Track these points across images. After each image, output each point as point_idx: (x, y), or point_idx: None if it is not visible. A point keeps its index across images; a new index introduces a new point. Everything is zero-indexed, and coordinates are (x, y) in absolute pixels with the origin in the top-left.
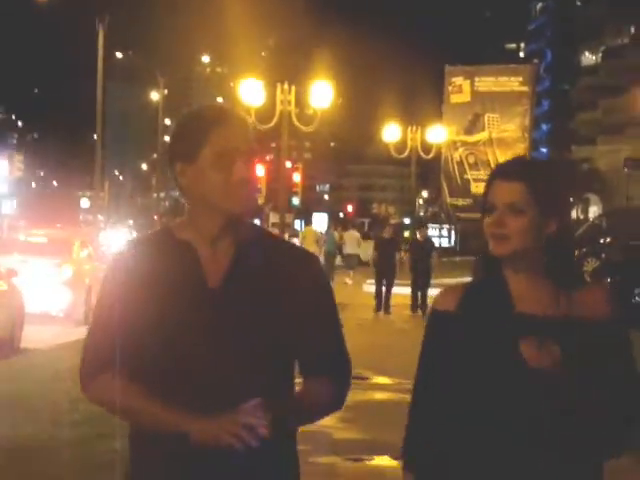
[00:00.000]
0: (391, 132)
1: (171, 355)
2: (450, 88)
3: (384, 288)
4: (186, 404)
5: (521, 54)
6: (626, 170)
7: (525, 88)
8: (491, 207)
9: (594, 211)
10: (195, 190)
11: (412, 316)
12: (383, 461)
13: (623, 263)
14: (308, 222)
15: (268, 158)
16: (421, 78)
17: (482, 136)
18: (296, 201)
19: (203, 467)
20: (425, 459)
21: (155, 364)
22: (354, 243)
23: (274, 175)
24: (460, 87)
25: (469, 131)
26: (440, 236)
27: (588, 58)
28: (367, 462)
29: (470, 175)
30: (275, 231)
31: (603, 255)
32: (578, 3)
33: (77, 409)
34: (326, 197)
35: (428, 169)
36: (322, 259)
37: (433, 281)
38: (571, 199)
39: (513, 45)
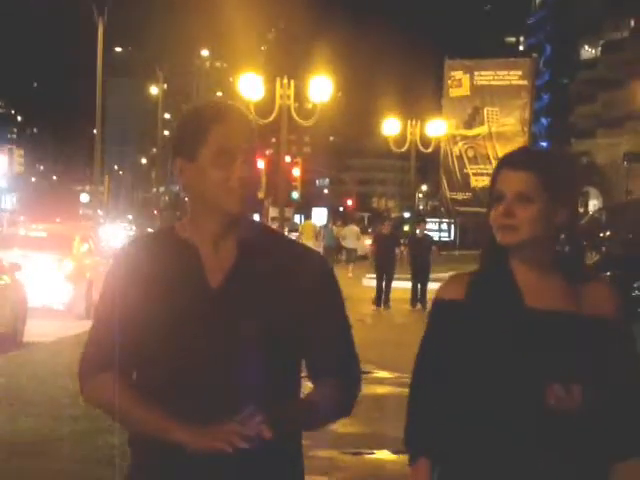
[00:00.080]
0: (390, 126)
1: (172, 355)
2: (449, 82)
3: (384, 283)
4: (187, 405)
5: (521, 48)
6: (625, 164)
7: (524, 82)
8: (499, 196)
9: (594, 204)
10: (196, 188)
11: (412, 310)
12: (383, 455)
13: (623, 257)
14: (308, 216)
15: (267, 152)
16: (420, 72)
17: (481, 130)
18: (295, 195)
19: (203, 471)
20: (422, 452)
21: (156, 363)
22: (354, 237)
23: (274, 169)
24: (460, 81)
25: (468, 125)
26: (440, 230)
27: (587, 52)
28: (367, 456)
29: (469, 169)
30: (275, 225)
31: (603, 249)
32: None
33: (77, 404)
34: (326, 191)
35: (428, 163)
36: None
37: (432, 275)
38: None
39: (513, 39)
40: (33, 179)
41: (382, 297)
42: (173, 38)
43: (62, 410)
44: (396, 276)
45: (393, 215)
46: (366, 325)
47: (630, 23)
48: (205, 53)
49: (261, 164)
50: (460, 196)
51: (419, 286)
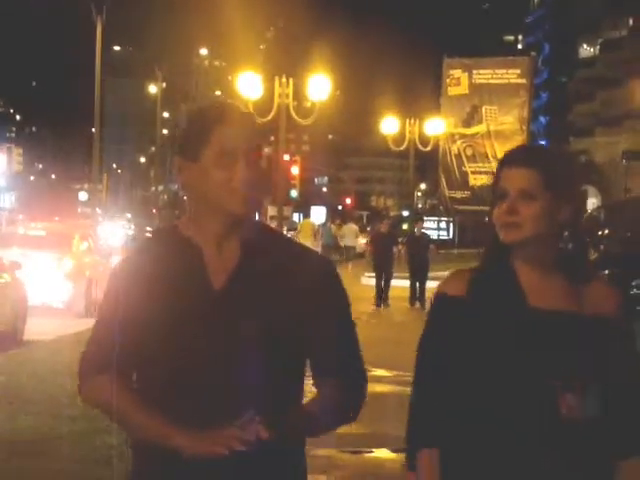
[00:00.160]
0: (389, 125)
1: (172, 355)
2: (448, 80)
3: (383, 282)
4: (187, 405)
5: (519, 46)
6: (624, 162)
7: (523, 80)
8: (502, 194)
9: (592, 203)
10: (199, 189)
11: (410, 309)
12: (382, 453)
13: (621, 255)
14: (307, 215)
15: (266, 151)
16: (419, 70)
17: (480, 128)
18: (294, 194)
19: (204, 476)
20: (429, 443)
21: (156, 364)
22: (352, 236)
23: (272, 168)
24: (458, 79)
25: (467, 123)
26: (439, 229)
27: (586, 50)
28: (366, 454)
29: (468, 168)
30: (273, 224)
31: (601, 247)
32: None
33: (77, 403)
34: (324, 190)
35: (426, 162)
36: (320, 252)
37: (431, 274)
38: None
39: (511, 37)
40: (32, 178)
41: (382, 296)
42: (172, 37)
43: (61, 409)
44: (395, 275)
45: (392, 214)
46: (365, 323)
47: (629, 22)
48: (204, 52)
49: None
50: (459, 194)
51: (417, 284)
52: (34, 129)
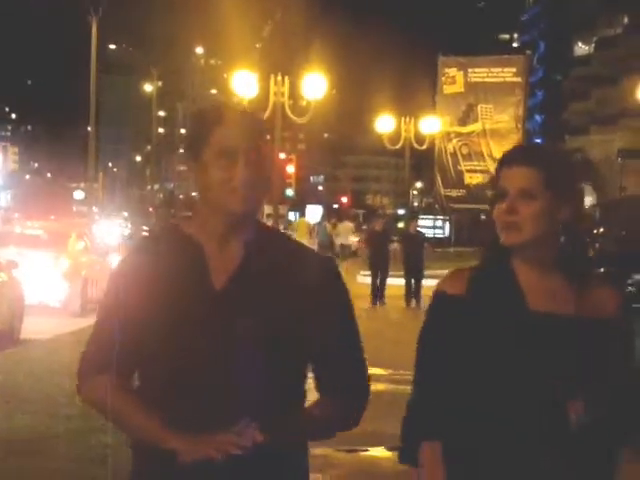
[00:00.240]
0: (385, 123)
1: (172, 355)
2: (443, 79)
3: (379, 280)
4: (186, 405)
5: (514, 44)
6: (619, 160)
7: (518, 79)
8: (502, 193)
9: (588, 201)
10: (201, 189)
11: (406, 307)
12: (377, 452)
13: (616, 253)
14: (303, 214)
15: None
16: (415, 69)
17: (476, 127)
18: (290, 192)
19: (204, 475)
20: (430, 436)
21: (157, 363)
22: (348, 234)
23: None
24: (453, 78)
25: (463, 122)
26: (434, 227)
27: (581, 48)
28: (362, 453)
29: (464, 166)
30: (269, 223)
31: (597, 245)
32: None
33: (73, 402)
34: (320, 188)
35: (422, 160)
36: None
37: (427, 272)
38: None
39: (506, 36)
40: (27, 176)
41: (378, 294)
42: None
43: (58, 408)
44: (390, 273)
45: (388, 212)
46: (361, 321)
47: (624, 20)
48: (200, 51)
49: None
50: (454, 193)
51: (413, 282)
52: (30, 128)
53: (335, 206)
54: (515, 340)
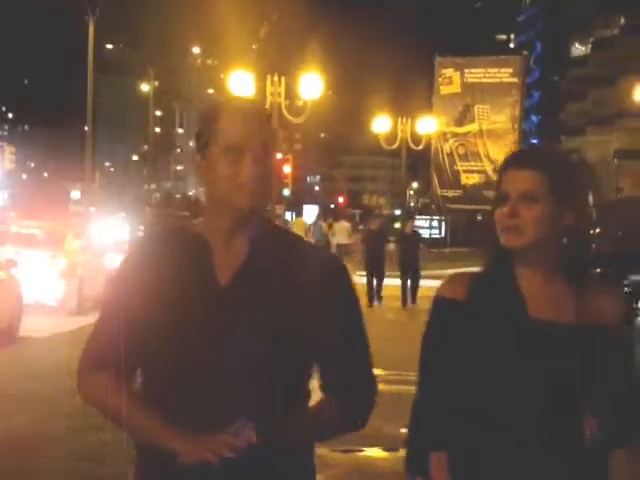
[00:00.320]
0: (381, 123)
1: (175, 353)
2: (440, 79)
3: (375, 280)
4: (187, 404)
5: (511, 45)
6: (615, 161)
7: (515, 79)
8: (504, 196)
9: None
10: (208, 185)
11: (403, 308)
12: (373, 452)
13: (613, 254)
14: (299, 213)
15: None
16: (411, 69)
17: (472, 127)
18: (286, 192)
19: (208, 475)
20: (435, 447)
21: (159, 361)
22: (344, 234)
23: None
24: (450, 78)
25: (459, 122)
26: (431, 227)
27: (578, 49)
28: (357, 453)
29: (460, 166)
30: None
31: (593, 246)
32: None
33: (72, 401)
34: (317, 188)
35: (418, 160)
36: None
37: (424, 273)
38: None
39: (503, 36)
40: (24, 176)
41: (374, 295)
42: (165, 36)
43: (56, 407)
44: (387, 273)
45: (384, 212)
46: None
47: (620, 20)
48: (196, 50)
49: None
50: (451, 193)
51: (409, 283)
52: (27, 127)
53: (332, 206)
54: (515, 347)
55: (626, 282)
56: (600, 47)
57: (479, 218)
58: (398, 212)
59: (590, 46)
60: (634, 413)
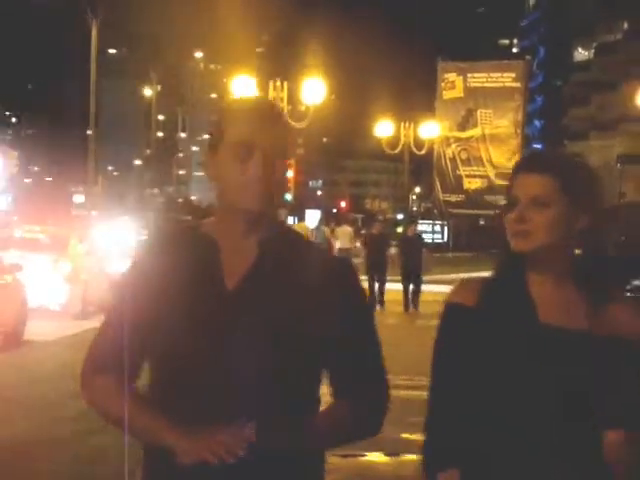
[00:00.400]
0: (384, 128)
1: (180, 355)
2: (443, 84)
3: (377, 284)
4: (187, 406)
5: (514, 50)
6: (618, 166)
7: (518, 84)
8: (514, 201)
9: None
10: (217, 184)
11: (405, 313)
12: (375, 457)
13: (616, 259)
14: (302, 218)
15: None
16: (414, 74)
17: (475, 132)
18: (289, 197)
19: (215, 477)
20: (447, 464)
21: (163, 364)
22: (346, 238)
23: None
24: (453, 83)
25: (462, 127)
26: (433, 232)
27: (581, 54)
28: (359, 458)
29: (463, 171)
30: None
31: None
32: None
33: (75, 404)
34: (319, 193)
35: (421, 165)
36: None
37: (426, 277)
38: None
39: (506, 41)
40: (27, 180)
41: (376, 299)
42: (167, 40)
43: (60, 410)
44: (389, 277)
45: (387, 216)
46: None
47: (623, 25)
48: (199, 55)
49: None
50: (453, 198)
51: (412, 287)
52: (30, 131)
53: (334, 210)
54: (526, 353)
55: (628, 287)
56: (603, 52)
57: (481, 223)
58: (400, 216)
59: (593, 51)
60: None
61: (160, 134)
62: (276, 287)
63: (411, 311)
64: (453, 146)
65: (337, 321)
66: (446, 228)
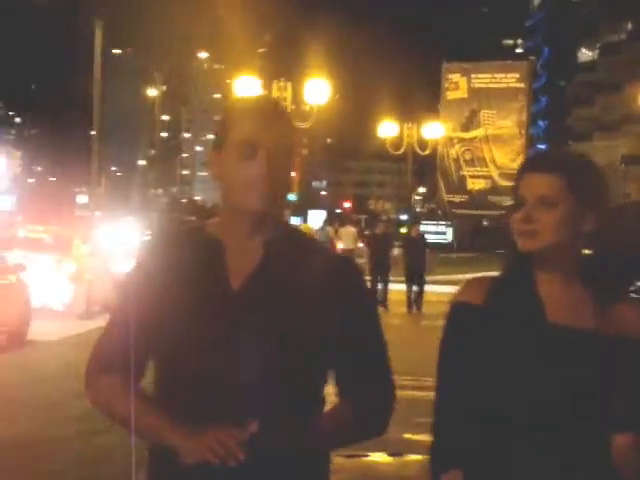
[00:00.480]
0: (387, 128)
1: (184, 355)
2: (447, 84)
3: (380, 284)
4: (195, 406)
5: (518, 50)
6: (622, 166)
7: (522, 85)
8: (521, 201)
9: None
10: (221, 183)
11: (408, 313)
12: (378, 457)
13: (622, 259)
14: (305, 219)
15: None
16: (418, 74)
17: (478, 133)
18: (292, 197)
19: (221, 476)
20: (455, 464)
21: (168, 364)
22: (350, 239)
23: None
24: (457, 84)
25: (466, 127)
26: (437, 232)
27: (585, 54)
28: (362, 458)
29: (466, 172)
30: None
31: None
32: None
33: (79, 404)
34: (323, 193)
35: (425, 165)
36: None
37: (429, 278)
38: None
39: (510, 41)
40: (31, 180)
41: (379, 300)
42: (171, 40)
43: (65, 410)
44: (392, 278)
45: (390, 217)
46: None
47: (627, 26)
48: (203, 55)
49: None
50: (457, 198)
51: (415, 288)
52: (33, 132)
53: (338, 211)
54: (534, 352)
55: (632, 288)
56: (607, 52)
57: (485, 223)
58: (404, 217)
59: (597, 51)
60: None
61: (164, 134)
62: (281, 287)
63: (414, 312)
64: (457, 147)
65: (343, 321)
66: (450, 229)
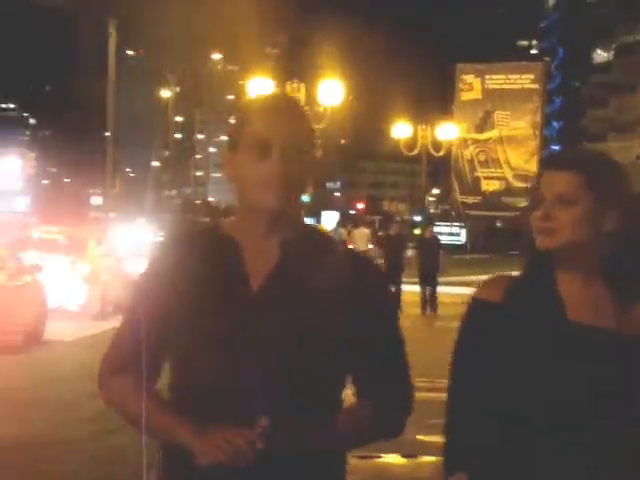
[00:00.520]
0: (401, 130)
1: (202, 356)
2: (461, 85)
3: (393, 286)
4: (215, 409)
5: (533, 51)
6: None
7: (536, 85)
8: (540, 199)
9: None
10: (236, 184)
11: (422, 314)
12: (391, 458)
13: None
14: (319, 220)
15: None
16: (431, 75)
17: (493, 134)
18: (306, 198)
19: (234, 476)
20: (467, 464)
21: (185, 364)
22: (363, 240)
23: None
24: (471, 85)
25: (480, 129)
26: (451, 234)
27: (600, 55)
28: (375, 459)
29: (480, 173)
30: None
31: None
32: (590, 0)
33: (93, 405)
34: (337, 194)
35: (439, 166)
36: None
37: (443, 279)
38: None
39: (525, 42)
40: (45, 181)
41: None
42: (185, 42)
43: (79, 411)
44: (405, 279)
45: (404, 218)
46: None
47: None
48: (217, 57)
49: None
50: (471, 200)
51: (429, 289)
52: (48, 133)
53: (351, 212)
54: (555, 351)
55: None
56: (622, 53)
57: (498, 225)
58: (418, 218)
59: (612, 52)
60: None
61: (178, 136)
62: (300, 287)
63: (428, 313)
64: (471, 148)
65: (361, 321)
66: (464, 230)
